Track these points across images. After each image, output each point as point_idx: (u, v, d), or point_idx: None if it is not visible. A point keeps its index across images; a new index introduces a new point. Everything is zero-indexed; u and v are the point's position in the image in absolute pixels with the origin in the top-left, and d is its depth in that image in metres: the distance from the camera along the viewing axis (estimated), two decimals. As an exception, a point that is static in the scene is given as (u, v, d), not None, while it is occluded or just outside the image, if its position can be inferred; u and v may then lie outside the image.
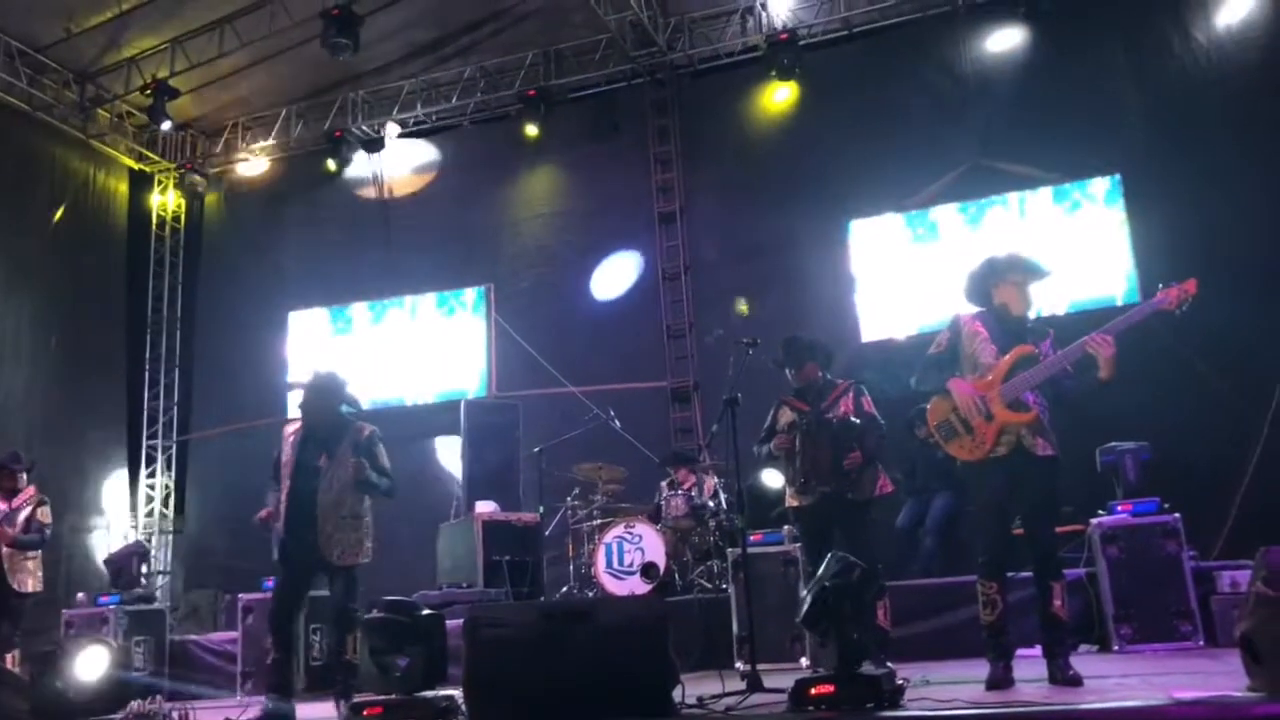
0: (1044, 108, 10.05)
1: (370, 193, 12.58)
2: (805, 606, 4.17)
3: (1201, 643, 5.96)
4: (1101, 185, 9.74)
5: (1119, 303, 9.26)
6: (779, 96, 11.12)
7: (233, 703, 7.03)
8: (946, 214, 10.25)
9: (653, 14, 11.02)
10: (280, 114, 12.74)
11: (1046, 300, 9.56)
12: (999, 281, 4.90)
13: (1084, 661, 5.74)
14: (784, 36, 10.78)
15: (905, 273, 10.27)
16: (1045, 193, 9.94)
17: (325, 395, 5.78)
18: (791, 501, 5.73)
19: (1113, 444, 7.59)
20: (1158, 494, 6.56)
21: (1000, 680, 4.57)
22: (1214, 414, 8.46)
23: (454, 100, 12.18)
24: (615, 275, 11.45)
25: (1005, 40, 10.44)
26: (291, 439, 5.73)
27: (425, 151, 12.51)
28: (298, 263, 12.58)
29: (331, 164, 12.44)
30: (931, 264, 10.16)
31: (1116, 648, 6.09)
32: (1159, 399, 8.61)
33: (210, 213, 13.41)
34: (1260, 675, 3.32)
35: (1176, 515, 6.25)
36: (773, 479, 7.56)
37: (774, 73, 10.91)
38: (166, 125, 12.04)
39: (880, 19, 10.92)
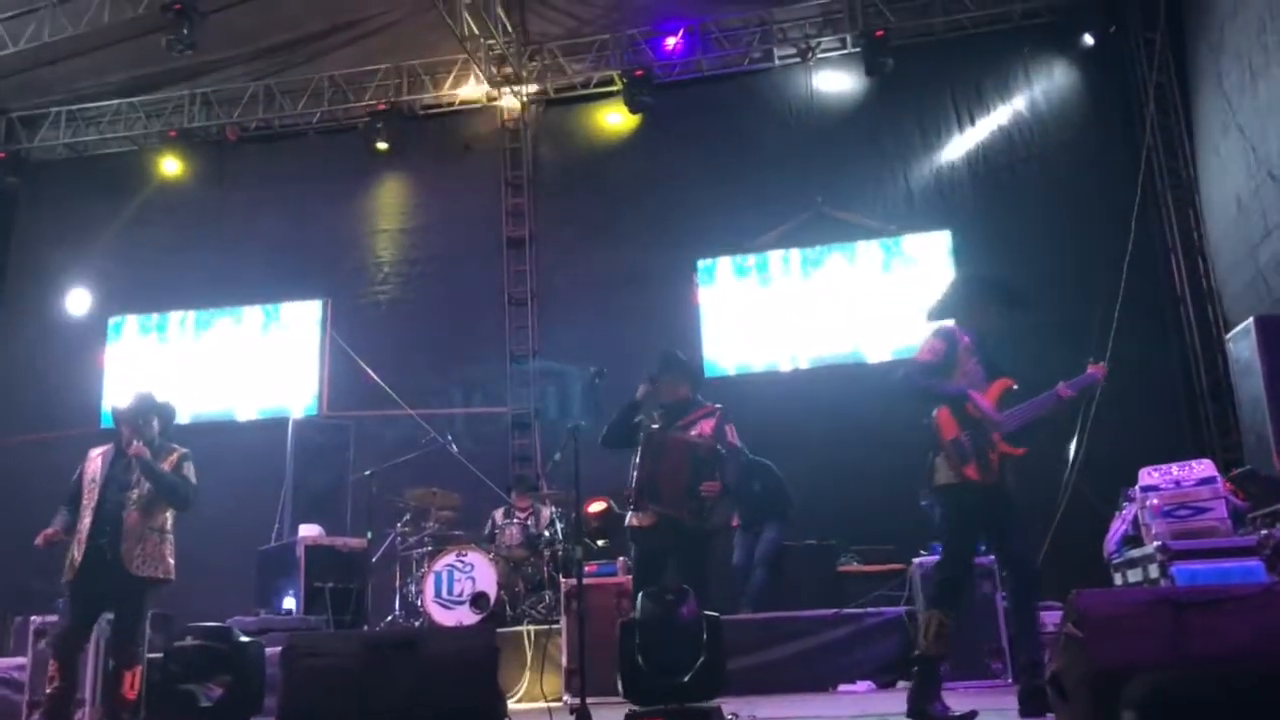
0: (883, 162, 10.55)
1: (204, 196, 12.00)
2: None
3: (1010, 680, 6.22)
4: (934, 240, 10.23)
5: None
6: (631, 132, 11.26)
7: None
8: (788, 258, 10.58)
9: (510, 39, 10.99)
10: (111, 107, 12.05)
11: (871, 347, 10.01)
12: (986, 302, 4.86)
13: (903, 698, 5.92)
14: (639, 73, 10.93)
15: (747, 312, 10.53)
16: (878, 244, 10.40)
17: (141, 414, 5.63)
18: (630, 521, 5.55)
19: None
20: (972, 537, 6.85)
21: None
22: (1025, 460, 8.88)
23: (299, 107, 11.80)
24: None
25: (850, 95, 10.89)
26: (99, 459, 5.64)
27: (265, 157, 12.04)
28: (121, 266, 11.87)
29: (164, 163, 11.83)
30: (772, 305, 10.47)
31: (932, 684, 6.28)
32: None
33: (23, 207, 12.51)
34: (1065, 713, 3.48)
35: (991, 558, 6.52)
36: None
37: (627, 108, 11.04)
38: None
39: (733, 65, 11.20)
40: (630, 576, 6.25)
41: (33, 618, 7.38)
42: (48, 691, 5.42)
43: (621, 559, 6.71)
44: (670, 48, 11.02)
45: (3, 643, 9.00)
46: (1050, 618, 6.32)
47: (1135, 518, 6.50)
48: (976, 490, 4.58)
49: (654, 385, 5.63)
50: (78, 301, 11.72)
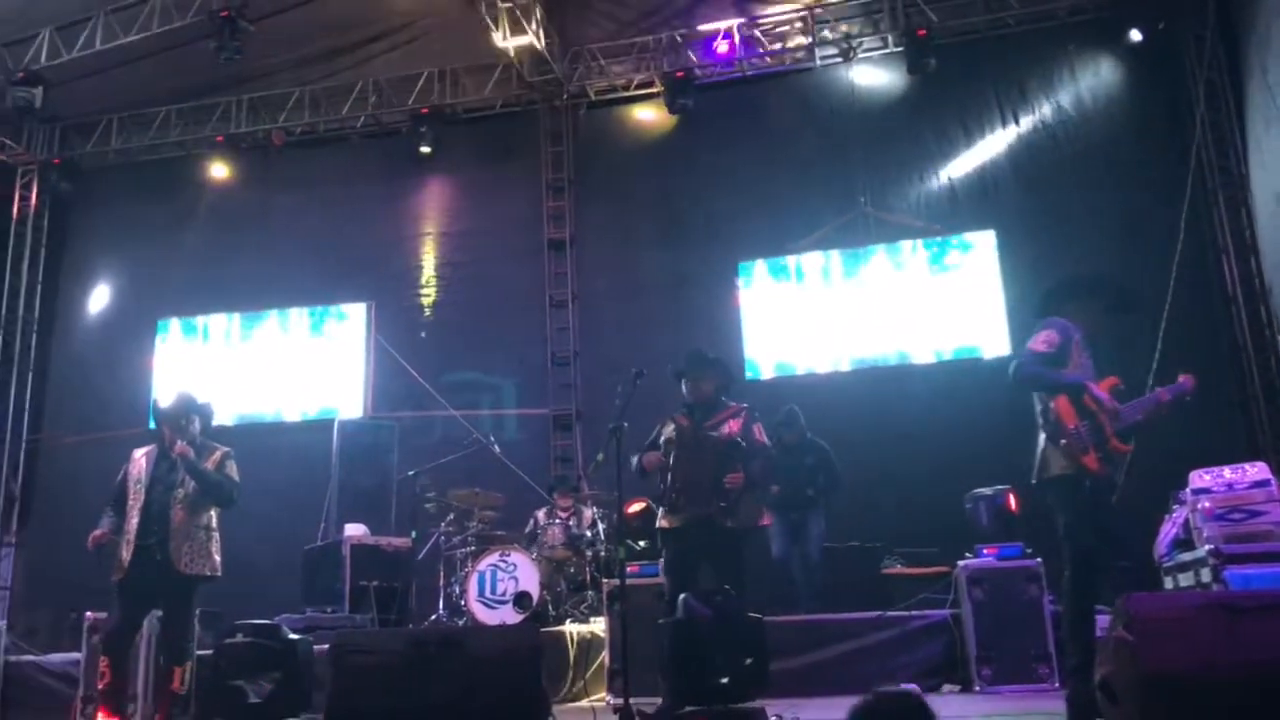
0: (926, 162, 10.46)
1: (250, 200, 12.18)
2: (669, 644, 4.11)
3: (1057, 685, 6.15)
4: (980, 240, 10.12)
5: (983, 355, 9.74)
6: (672, 133, 11.26)
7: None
8: (830, 259, 10.52)
9: (551, 41, 11.04)
10: (160, 113, 12.26)
11: (914, 348, 9.94)
12: (1095, 300, 4.81)
13: (949, 702, 5.89)
14: (680, 75, 10.94)
15: (788, 314, 10.48)
16: (922, 244, 10.30)
17: (182, 414, 5.76)
18: (661, 522, 5.51)
19: (978, 490, 7.87)
20: (1018, 539, 6.79)
21: None
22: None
23: (344, 111, 11.94)
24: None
25: (892, 94, 10.82)
26: (143, 459, 5.76)
27: (310, 161, 12.19)
28: (170, 269, 12.06)
29: (211, 168, 12.02)
30: (814, 307, 10.42)
31: (978, 688, 6.25)
32: (1024, 447, 8.95)
33: (77, 210, 12.77)
34: (1115, 717, 3.44)
35: (1039, 560, 6.47)
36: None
37: (669, 109, 11.06)
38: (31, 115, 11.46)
39: (774, 65, 11.18)
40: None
41: (86, 614, 7.53)
42: (100, 687, 5.55)
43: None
44: (719, 51, 11.00)
45: (59, 638, 9.19)
46: (1100, 622, 6.26)
47: (1186, 521, 6.41)
48: (1093, 480, 4.50)
49: (683, 388, 5.63)
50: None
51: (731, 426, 5.51)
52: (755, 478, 5.41)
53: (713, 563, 5.43)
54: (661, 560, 5.73)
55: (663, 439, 5.53)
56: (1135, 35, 10.05)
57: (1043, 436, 4.60)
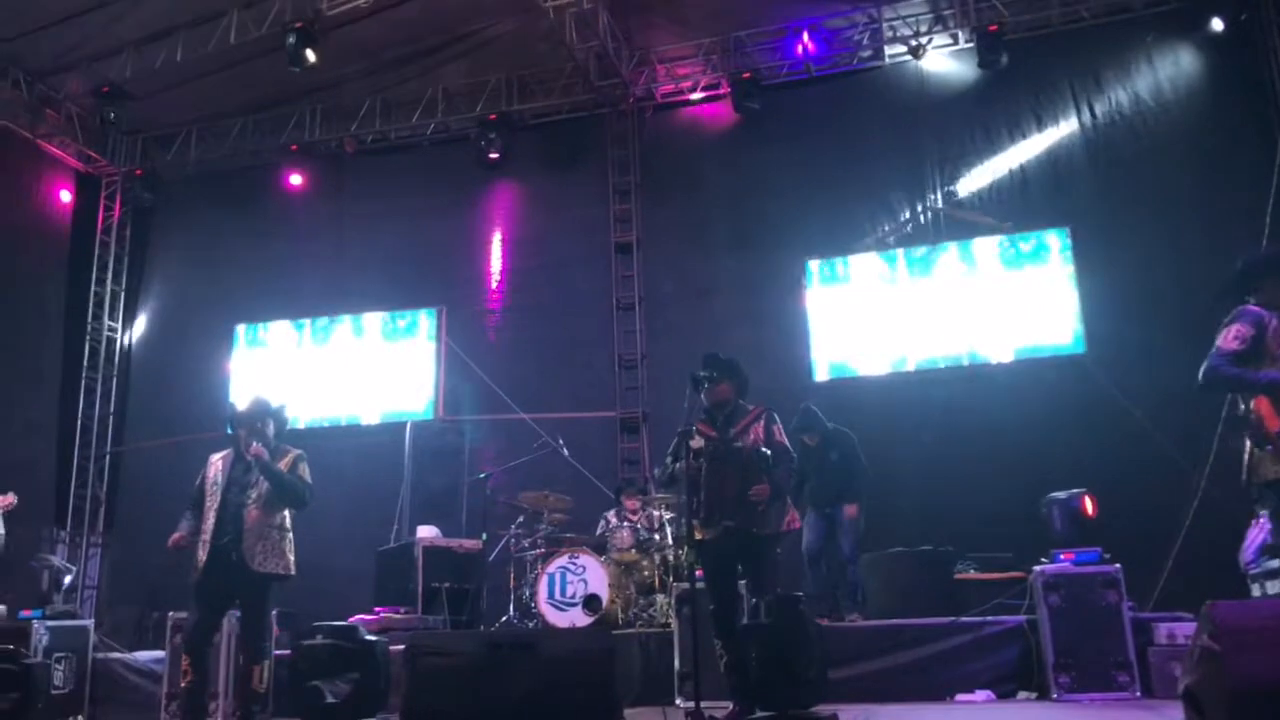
0: (999, 159, 10.28)
1: (323, 208, 12.43)
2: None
3: (1138, 694, 6.02)
4: (1053, 238, 9.92)
5: (1057, 354, 9.58)
6: (738, 135, 11.23)
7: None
8: (898, 257, 10.38)
9: (618, 45, 11.08)
10: (236, 124, 12.58)
11: (986, 347, 9.79)
12: None
13: (1026, 710, 5.79)
14: (746, 76, 10.91)
15: (856, 314, 10.38)
16: (995, 242, 10.11)
17: (258, 418, 5.89)
18: (695, 535, 5.45)
19: (1053, 494, 7.71)
20: (1095, 543, 6.64)
21: None
22: (1153, 466, 8.61)
23: (414, 119, 12.13)
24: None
25: (963, 89, 10.66)
26: (219, 463, 5.89)
27: (382, 169, 12.40)
28: (246, 275, 12.35)
29: (285, 176, 12.29)
30: (882, 306, 10.30)
31: (1055, 696, 6.12)
32: (1100, 449, 8.80)
33: (157, 220, 13.15)
34: (1201, 729, 3.34)
35: (1117, 565, 6.32)
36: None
37: (735, 111, 11.04)
38: (115, 127, 11.83)
39: (841, 64, 11.10)
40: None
41: (170, 613, 7.75)
42: (182, 685, 5.71)
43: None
44: (797, 52, 10.96)
45: (143, 637, 9.47)
46: (1181, 629, 6.11)
47: (1276, 527, 6.20)
48: None
49: (700, 394, 5.56)
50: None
51: (756, 432, 5.48)
52: (780, 484, 5.38)
53: (747, 569, 5.45)
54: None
55: (692, 451, 5.44)
56: (1216, 25, 9.77)
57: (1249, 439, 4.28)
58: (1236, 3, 9.75)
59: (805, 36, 10.99)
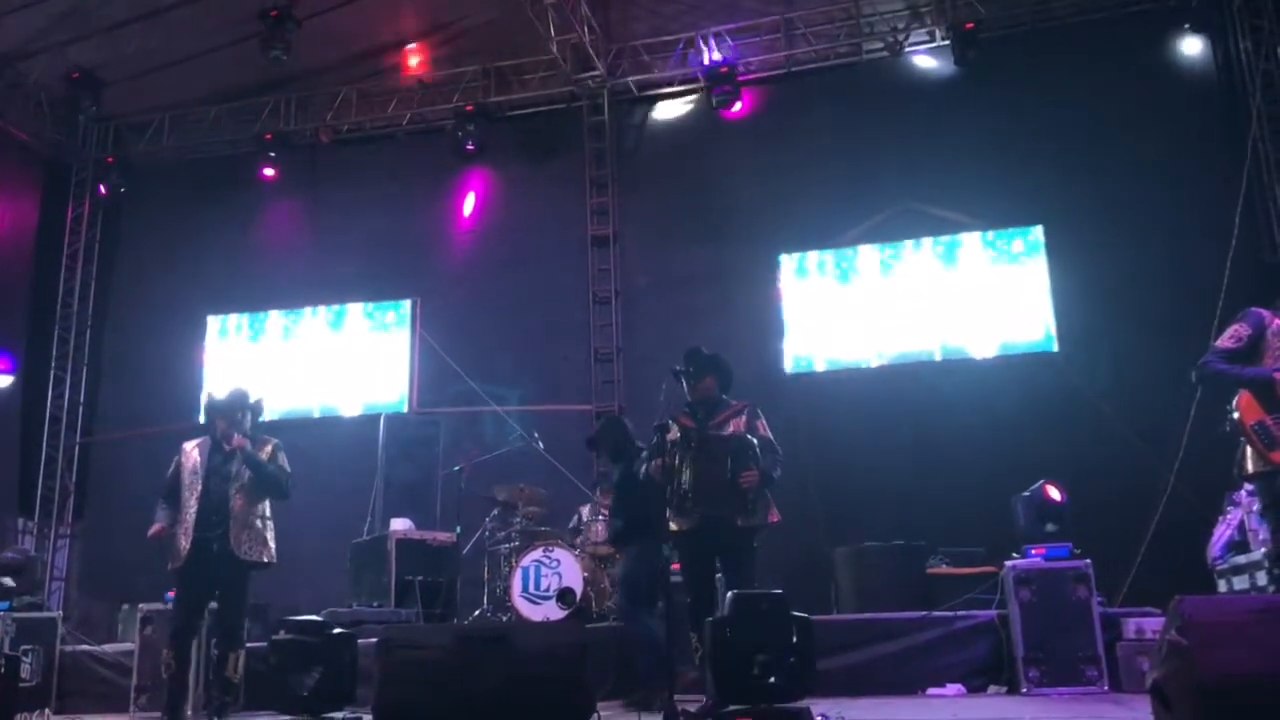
0: (972, 156, 10.31)
1: (297, 198, 12.33)
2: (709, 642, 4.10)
3: (1106, 688, 6.08)
4: (1026, 235, 10.00)
5: (1028, 350, 9.71)
6: (715, 128, 11.23)
7: (125, 719, 6.76)
8: (873, 252, 10.43)
9: (595, 38, 11.05)
10: (210, 112, 12.44)
11: (959, 343, 9.86)
12: None
13: (996, 703, 5.84)
14: (724, 70, 10.92)
15: (830, 308, 10.43)
16: (968, 238, 10.18)
17: (237, 408, 5.88)
18: (671, 525, 5.41)
19: (1023, 493, 7.74)
20: (1066, 534, 6.69)
21: None
22: (1123, 462, 8.70)
23: (390, 110, 12.05)
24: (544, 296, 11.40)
25: (938, 86, 10.71)
26: (195, 451, 5.86)
27: (357, 159, 12.31)
28: (219, 266, 12.21)
29: (259, 166, 12.17)
30: (856, 300, 10.36)
31: (1025, 690, 6.18)
32: (1071, 445, 8.88)
33: (128, 209, 12.97)
34: (1169, 723, 3.38)
35: (1088, 561, 6.39)
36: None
37: (712, 105, 11.04)
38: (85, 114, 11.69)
39: (819, 59, 11.12)
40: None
41: (140, 606, 7.68)
42: (165, 678, 5.70)
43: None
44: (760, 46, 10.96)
45: (112, 629, 9.38)
46: (1149, 624, 6.17)
47: (1241, 523, 6.29)
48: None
49: (684, 388, 5.57)
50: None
51: (736, 425, 5.46)
52: (767, 473, 5.34)
53: (725, 562, 5.42)
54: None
55: (669, 441, 5.43)
56: (1188, 28, 9.86)
57: None
58: (1208, 3, 9.83)
59: (780, 31, 10.98)
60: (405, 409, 11.03)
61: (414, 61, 11.90)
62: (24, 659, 7.43)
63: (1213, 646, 3.15)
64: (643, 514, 5.90)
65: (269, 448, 5.89)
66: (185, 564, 5.60)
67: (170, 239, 12.55)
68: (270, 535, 5.81)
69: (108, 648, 8.23)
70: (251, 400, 6.00)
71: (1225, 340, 4.53)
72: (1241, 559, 6.23)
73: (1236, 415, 4.40)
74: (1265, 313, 4.54)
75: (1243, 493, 6.19)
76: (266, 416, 11.16)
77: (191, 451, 5.87)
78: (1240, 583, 6.21)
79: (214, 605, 6.03)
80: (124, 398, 12.21)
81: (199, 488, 5.69)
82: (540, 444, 9.14)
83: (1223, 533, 6.60)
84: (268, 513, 5.85)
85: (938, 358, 10.01)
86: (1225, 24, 9.87)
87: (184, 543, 5.60)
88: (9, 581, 8.00)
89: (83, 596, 11.31)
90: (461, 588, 8.79)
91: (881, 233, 10.43)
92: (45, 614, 8.22)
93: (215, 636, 7.26)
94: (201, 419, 6.02)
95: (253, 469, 5.69)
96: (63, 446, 12.26)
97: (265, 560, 5.76)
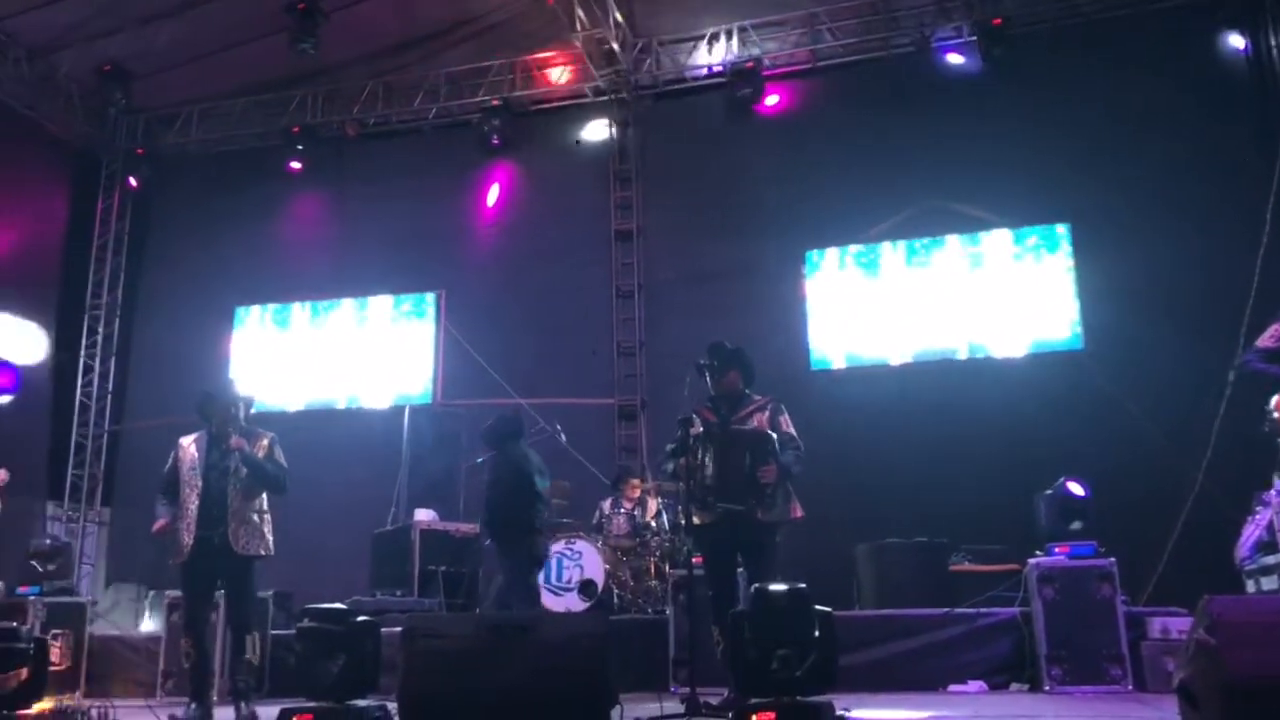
0: (998, 153, 10.23)
1: (324, 191, 12.41)
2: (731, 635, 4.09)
3: (1130, 687, 6.05)
4: (1053, 233, 9.93)
5: (1055, 349, 9.64)
6: (740, 123, 11.21)
7: (153, 703, 6.82)
8: (899, 249, 10.39)
9: (621, 33, 11.05)
10: (237, 105, 12.54)
11: (986, 341, 9.80)
12: None
13: (1018, 701, 5.81)
14: (749, 65, 10.90)
15: (855, 304, 10.39)
16: (995, 236, 10.12)
17: (231, 403, 5.89)
18: (694, 519, 5.40)
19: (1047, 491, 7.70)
20: (1090, 531, 6.65)
21: None
22: (1149, 461, 8.63)
23: (416, 103, 12.09)
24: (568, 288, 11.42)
25: (965, 84, 10.64)
26: (192, 446, 5.88)
27: (383, 152, 12.37)
28: (246, 257, 12.32)
29: (286, 160, 12.25)
30: (881, 297, 10.33)
31: (1047, 688, 6.15)
32: (1097, 443, 8.81)
33: (157, 200, 13.11)
34: (1195, 722, 3.36)
35: (1112, 559, 6.35)
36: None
37: (737, 100, 11.02)
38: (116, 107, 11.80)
39: (845, 55, 11.07)
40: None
41: (166, 592, 7.77)
42: (186, 666, 5.75)
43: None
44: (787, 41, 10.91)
45: (139, 615, 9.49)
46: (1175, 624, 6.13)
47: (1270, 523, 6.21)
48: None
49: (707, 382, 5.56)
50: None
51: (759, 420, 5.44)
52: (787, 468, 5.32)
53: (747, 556, 5.41)
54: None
55: (691, 436, 5.41)
56: (1217, 23, 9.75)
57: None
58: (1241, 3, 9.72)
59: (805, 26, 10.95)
60: (430, 401, 11.07)
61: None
62: (54, 643, 7.54)
63: (1242, 646, 3.13)
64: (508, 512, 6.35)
65: (265, 442, 5.88)
66: (189, 559, 5.64)
67: (198, 231, 12.66)
68: (268, 529, 5.83)
69: (134, 633, 8.32)
70: (244, 395, 6.00)
71: (1265, 339, 4.62)
72: (1271, 559, 6.14)
73: (1277, 415, 4.49)
74: None
75: (1273, 492, 6.12)
76: (292, 408, 11.37)
77: (189, 447, 5.89)
78: (1269, 583, 6.12)
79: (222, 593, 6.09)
80: (152, 387, 12.32)
81: (199, 484, 5.71)
82: (563, 437, 9.16)
83: (1251, 532, 6.52)
84: (264, 507, 5.86)
85: (963, 355, 9.96)
86: (1257, 19, 9.73)
87: (187, 539, 5.64)
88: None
89: (112, 582, 11.43)
90: (484, 579, 8.84)
91: (907, 229, 10.38)
92: (75, 599, 8.32)
93: (229, 623, 7.40)
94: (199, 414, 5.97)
95: (251, 469, 5.73)
96: (92, 434, 12.41)
97: (263, 553, 5.79)
